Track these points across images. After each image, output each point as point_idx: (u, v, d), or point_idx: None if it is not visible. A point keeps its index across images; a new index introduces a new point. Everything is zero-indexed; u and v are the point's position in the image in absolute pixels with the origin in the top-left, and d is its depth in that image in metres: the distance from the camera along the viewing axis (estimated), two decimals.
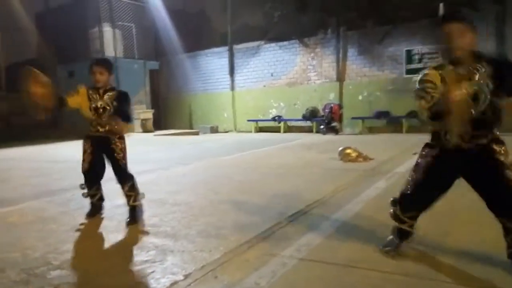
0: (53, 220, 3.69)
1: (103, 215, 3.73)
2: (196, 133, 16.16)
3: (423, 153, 2.39)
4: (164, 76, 18.35)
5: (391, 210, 2.56)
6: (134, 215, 3.48)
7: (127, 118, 3.64)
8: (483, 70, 2.12)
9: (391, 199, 2.58)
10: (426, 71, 2.26)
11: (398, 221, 2.52)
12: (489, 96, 2.09)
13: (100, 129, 3.49)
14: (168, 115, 18.46)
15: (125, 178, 3.53)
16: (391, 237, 2.58)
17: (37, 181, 6.00)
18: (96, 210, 3.72)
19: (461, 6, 12.02)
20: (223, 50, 16.50)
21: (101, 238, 3.16)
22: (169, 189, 4.81)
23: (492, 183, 2.18)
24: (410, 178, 2.47)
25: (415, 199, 2.44)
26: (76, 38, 16.63)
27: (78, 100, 3.49)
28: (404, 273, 2.26)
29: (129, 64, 16.58)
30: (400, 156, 6.82)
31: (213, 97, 16.98)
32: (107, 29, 15.94)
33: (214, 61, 16.85)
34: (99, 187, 3.71)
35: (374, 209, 3.64)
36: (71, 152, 9.91)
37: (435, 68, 2.26)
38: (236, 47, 16.14)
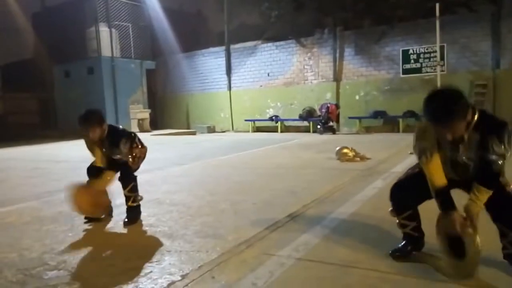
0: (50, 220, 3.68)
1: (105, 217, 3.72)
2: (193, 133, 16.15)
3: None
4: (161, 76, 18.33)
5: (396, 219, 2.53)
6: (132, 216, 3.48)
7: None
8: (471, 139, 2.08)
9: (390, 209, 2.54)
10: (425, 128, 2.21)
11: (401, 227, 2.50)
12: (473, 163, 2.12)
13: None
14: (165, 115, 18.45)
15: (129, 178, 3.50)
16: (403, 242, 2.53)
17: (34, 181, 5.98)
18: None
19: (457, 7, 12.10)
20: (220, 50, 16.49)
21: (98, 238, 3.15)
22: (166, 189, 4.81)
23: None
24: (399, 178, 2.53)
25: (403, 195, 2.44)
26: (72, 38, 16.60)
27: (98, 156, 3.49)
28: (402, 273, 2.27)
29: (126, 64, 16.56)
30: (397, 156, 6.84)
31: (210, 97, 16.97)
32: (103, 29, 15.91)
33: (211, 61, 16.85)
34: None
35: (371, 208, 3.65)
36: (68, 152, 9.89)
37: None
38: (233, 47, 16.14)
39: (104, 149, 3.44)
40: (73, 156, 8.84)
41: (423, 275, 2.21)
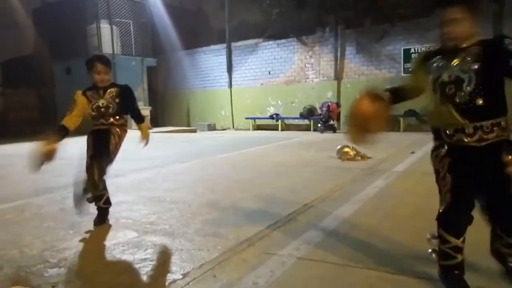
0: (51, 217, 3.68)
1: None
2: (194, 131, 16.14)
3: (436, 158, 2.06)
4: (162, 73, 18.31)
5: (434, 244, 2.10)
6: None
7: (141, 119, 3.61)
8: (470, 53, 1.90)
9: (428, 235, 2.15)
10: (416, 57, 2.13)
11: (449, 256, 2.03)
12: (474, 81, 1.85)
13: (104, 122, 3.41)
14: (165, 112, 18.43)
15: (100, 156, 3.42)
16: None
17: (35, 178, 5.93)
18: (104, 216, 3.47)
19: None
20: (221, 47, 16.47)
21: (99, 236, 3.15)
22: (166, 187, 4.80)
23: (495, 195, 1.95)
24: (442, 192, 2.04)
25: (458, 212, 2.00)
26: (73, 34, 16.54)
27: (78, 113, 3.42)
28: (403, 272, 2.26)
29: (126, 61, 16.51)
30: (397, 155, 6.83)
31: (210, 94, 16.96)
32: (104, 26, 15.86)
33: (212, 59, 16.82)
34: (105, 186, 3.49)
35: (373, 208, 3.65)
36: (69, 149, 9.88)
37: (425, 56, 2.08)
38: (234, 44, 16.12)
39: (101, 101, 3.40)
40: (73, 153, 8.79)
41: (424, 275, 2.21)
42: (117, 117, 3.44)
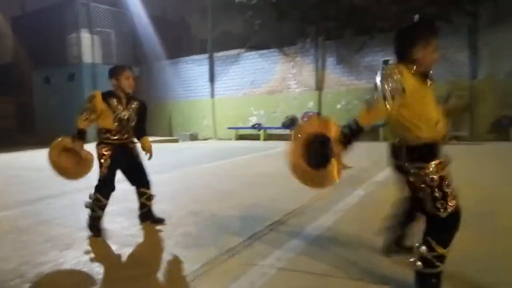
0: (28, 230, 3.60)
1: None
2: (176, 141, 16.04)
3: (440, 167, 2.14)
4: (144, 83, 18.18)
5: (424, 254, 2.09)
6: (151, 215, 3.63)
7: (145, 132, 3.66)
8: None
9: (421, 247, 2.10)
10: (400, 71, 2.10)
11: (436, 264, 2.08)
12: None
13: (121, 137, 3.40)
14: (147, 122, 18.24)
15: (147, 179, 3.58)
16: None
17: (14, 189, 5.84)
18: (102, 226, 3.45)
19: (434, 18, 12.40)
20: (203, 57, 16.49)
21: (76, 250, 3.09)
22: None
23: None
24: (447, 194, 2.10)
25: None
26: (53, 43, 16.33)
27: (94, 119, 3.34)
28: (381, 282, 2.30)
29: (107, 70, 16.36)
30: (377, 164, 6.92)
31: (193, 104, 16.92)
32: (85, 35, 15.71)
33: (195, 69, 16.82)
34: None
35: (353, 217, 3.70)
36: (46, 161, 9.68)
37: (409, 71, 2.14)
38: (216, 55, 16.16)
39: (123, 113, 3.36)
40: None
41: (404, 284, 2.24)
42: (130, 132, 3.46)
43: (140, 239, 3.24)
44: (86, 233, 3.45)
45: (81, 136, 3.33)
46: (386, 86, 2.06)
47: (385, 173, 6.04)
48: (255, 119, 15.39)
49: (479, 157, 7.65)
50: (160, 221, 3.67)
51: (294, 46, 14.55)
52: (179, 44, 18.50)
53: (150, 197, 3.64)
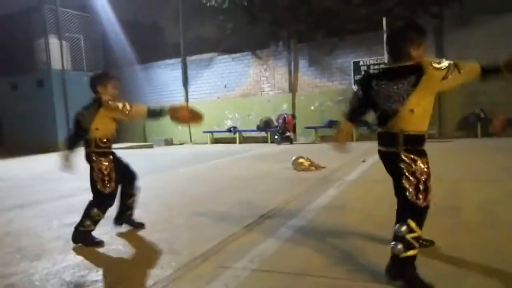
0: None
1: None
2: (150, 146, 15.87)
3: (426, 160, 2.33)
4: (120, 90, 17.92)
5: (405, 238, 2.18)
6: (132, 220, 3.63)
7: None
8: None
9: (402, 227, 2.20)
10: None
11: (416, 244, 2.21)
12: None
13: (111, 146, 3.42)
14: (120, 128, 17.90)
15: (135, 175, 3.65)
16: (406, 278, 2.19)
17: None
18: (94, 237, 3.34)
19: (402, 20, 12.75)
20: (176, 61, 16.41)
21: (47, 259, 3.03)
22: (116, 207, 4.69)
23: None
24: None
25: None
26: (20, 49, 15.91)
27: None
28: (352, 278, 2.36)
29: (77, 76, 16.02)
30: (350, 164, 7.06)
31: None
32: (53, 41, 15.37)
33: (168, 73, 16.71)
34: None
35: (325, 216, 3.76)
36: (15, 170, 9.43)
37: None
38: (189, 58, 16.12)
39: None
40: (18, 173, 8.47)
41: (373, 280, 2.31)
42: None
43: (111, 246, 3.20)
44: (57, 242, 3.39)
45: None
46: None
47: (357, 173, 6.18)
48: (230, 122, 15.41)
49: (446, 154, 7.90)
50: (140, 225, 3.66)
51: (267, 49, 14.68)
52: (152, 49, 18.30)
53: (134, 201, 3.63)
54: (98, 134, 3.29)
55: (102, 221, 3.38)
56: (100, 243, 3.24)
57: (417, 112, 2.21)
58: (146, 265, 2.76)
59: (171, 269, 2.64)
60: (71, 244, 3.30)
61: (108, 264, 2.82)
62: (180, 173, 7.46)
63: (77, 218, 3.69)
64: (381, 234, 3.06)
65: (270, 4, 13.78)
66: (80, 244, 3.24)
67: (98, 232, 3.55)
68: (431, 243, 2.73)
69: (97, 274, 2.65)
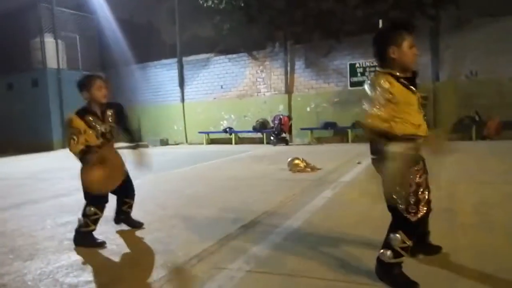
0: None
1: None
2: (145, 146, 15.81)
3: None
4: (111, 88, 17.84)
5: (393, 248, 2.21)
6: (130, 221, 3.61)
7: (135, 140, 3.52)
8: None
9: (393, 238, 2.22)
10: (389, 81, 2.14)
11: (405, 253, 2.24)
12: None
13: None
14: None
15: (133, 190, 3.61)
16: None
17: None
18: (95, 238, 3.31)
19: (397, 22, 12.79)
20: (173, 61, 16.37)
21: (41, 260, 3.01)
22: (114, 206, 4.66)
23: None
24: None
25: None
26: (16, 48, 15.82)
27: (83, 141, 3.14)
28: (346, 280, 2.35)
29: (73, 76, 15.79)
30: (345, 166, 7.07)
31: (163, 109, 16.74)
32: (49, 40, 15.29)
33: (164, 73, 16.67)
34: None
35: (321, 218, 3.76)
36: (9, 169, 9.37)
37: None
38: (186, 59, 16.08)
39: (103, 127, 3.26)
40: (13, 172, 8.41)
41: (367, 281, 2.31)
42: (114, 139, 3.38)
43: (105, 247, 3.18)
44: (51, 242, 3.37)
45: (88, 151, 3.10)
46: (376, 93, 2.11)
47: (352, 174, 6.18)
48: (226, 123, 15.39)
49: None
50: (140, 225, 3.66)
51: (263, 50, 14.68)
52: (148, 49, 18.25)
53: (131, 206, 3.63)
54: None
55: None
56: (102, 244, 3.21)
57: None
58: (141, 265, 2.75)
59: (165, 270, 2.62)
60: (65, 244, 3.28)
61: (102, 265, 2.80)
62: (176, 173, 7.43)
63: (70, 217, 3.68)
64: (376, 236, 3.05)
65: (267, 5, 13.78)
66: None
67: (94, 233, 3.53)
68: (438, 249, 2.64)
69: (90, 275, 2.64)
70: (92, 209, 3.22)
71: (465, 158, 7.83)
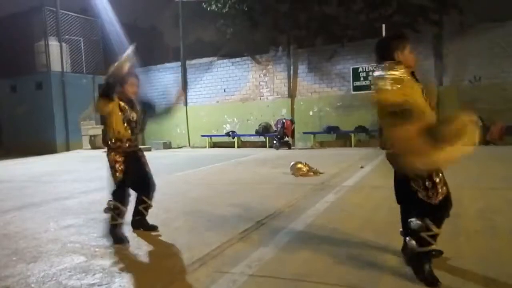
0: None
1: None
2: (148, 149, 15.81)
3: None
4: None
5: (420, 236, 2.31)
6: (145, 223, 3.62)
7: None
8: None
9: (416, 223, 2.33)
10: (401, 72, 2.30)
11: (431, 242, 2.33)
12: None
13: (131, 144, 3.40)
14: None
15: (153, 185, 3.63)
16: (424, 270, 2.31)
17: None
18: (123, 233, 3.38)
19: (401, 27, 12.84)
20: (176, 65, 16.42)
21: (44, 262, 3.02)
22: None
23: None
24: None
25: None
26: (20, 51, 15.91)
27: (111, 106, 3.26)
28: (348, 284, 2.35)
29: (77, 79, 16.06)
30: (348, 170, 7.06)
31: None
32: (53, 43, 15.38)
33: (167, 76, 16.72)
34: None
35: (323, 222, 3.75)
36: (13, 171, 9.39)
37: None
38: (189, 62, 16.13)
39: (132, 114, 3.38)
40: (17, 175, 8.44)
41: (370, 286, 2.30)
42: (138, 139, 3.48)
43: (108, 250, 3.19)
44: (55, 244, 3.38)
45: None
46: (389, 74, 2.28)
47: (355, 179, 6.17)
48: (229, 126, 15.40)
49: None
50: (154, 228, 3.67)
51: (266, 54, 14.71)
52: (152, 52, 18.35)
53: (147, 207, 3.65)
54: (110, 130, 3.37)
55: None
56: (123, 240, 3.27)
57: None
58: (144, 268, 2.75)
59: (168, 274, 2.62)
60: (68, 247, 3.29)
61: (105, 268, 2.80)
62: (179, 176, 7.44)
63: (73, 220, 3.69)
64: (379, 240, 3.06)
65: (270, 10, 13.84)
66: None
67: (94, 236, 3.54)
68: (439, 252, 2.64)
69: (93, 278, 2.64)
70: (112, 202, 3.31)
71: (468, 163, 7.80)
